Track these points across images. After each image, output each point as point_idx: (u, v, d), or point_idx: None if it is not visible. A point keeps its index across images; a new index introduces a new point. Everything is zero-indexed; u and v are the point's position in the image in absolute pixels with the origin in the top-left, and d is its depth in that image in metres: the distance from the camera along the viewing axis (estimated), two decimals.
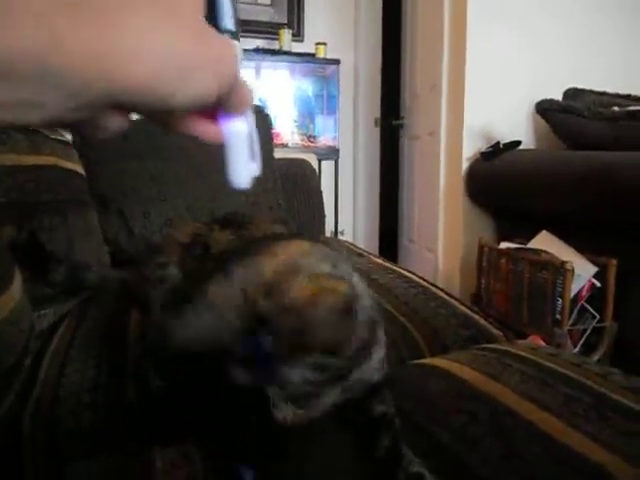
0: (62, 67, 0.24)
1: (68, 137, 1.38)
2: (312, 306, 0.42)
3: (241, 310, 0.43)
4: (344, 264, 0.50)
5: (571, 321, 1.67)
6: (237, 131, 0.37)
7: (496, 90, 2.33)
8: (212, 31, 0.31)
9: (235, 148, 0.37)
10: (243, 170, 0.38)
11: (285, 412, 0.42)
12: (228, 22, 0.37)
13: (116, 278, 0.98)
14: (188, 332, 0.43)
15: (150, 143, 1.53)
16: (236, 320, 0.42)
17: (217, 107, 0.35)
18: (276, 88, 3.33)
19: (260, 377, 0.42)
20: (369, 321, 0.48)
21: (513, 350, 0.70)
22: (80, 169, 1.32)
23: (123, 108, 0.29)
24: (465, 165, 2.35)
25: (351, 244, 1.58)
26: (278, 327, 0.41)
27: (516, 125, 2.35)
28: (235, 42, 0.35)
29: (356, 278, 0.51)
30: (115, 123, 0.31)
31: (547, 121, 2.16)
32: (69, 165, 1.22)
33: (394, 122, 3.42)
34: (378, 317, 0.51)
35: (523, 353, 0.68)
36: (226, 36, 0.35)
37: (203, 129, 0.36)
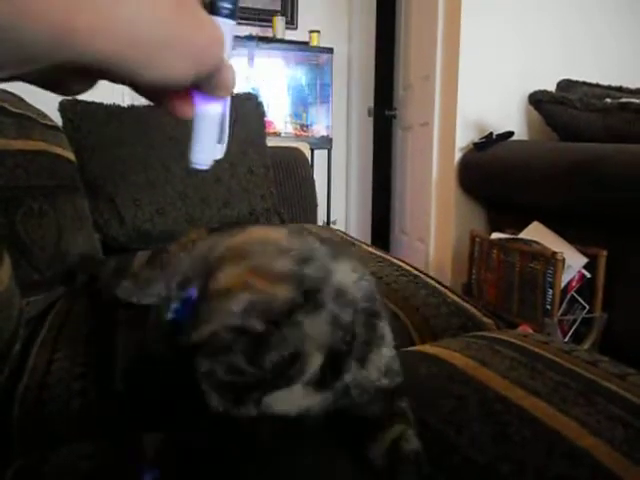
0: (25, 31, 0.22)
1: (58, 122, 1.36)
2: (224, 300, 0.38)
3: (184, 281, 0.40)
4: (320, 266, 0.43)
5: (561, 311, 1.68)
6: (210, 112, 0.35)
7: (489, 81, 2.33)
8: (199, 10, 0.29)
9: (204, 128, 0.35)
10: (208, 151, 0.36)
11: (215, 401, 0.39)
12: None
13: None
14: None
15: (139, 129, 1.52)
16: (175, 288, 0.40)
17: (194, 88, 0.33)
18: (269, 76, 3.31)
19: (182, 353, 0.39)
20: (364, 323, 0.44)
21: (504, 337, 0.71)
22: (70, 155, 1.30)
23: (90, 74, 0.27)
24: (458, 156, 2.35)
25: (343, 233, 1.58)
26: (198, 309, 0.38)
27: (509, 116, 2.36)
28: (228, 21, 0.33)
29: (341, 277, 0.44)
30: (79, 86, 0.29)
31: (540, 112, 2.16)
32: (59, 151, 1.21)
33: (387, 112, 3.41)
34: (377, 320, 0.46)
35: (514, 340, 0.69)
36: (222, 14, 0.33)
37: (178, 105, 0.33)
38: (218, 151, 0.37)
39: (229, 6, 0.33)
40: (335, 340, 0.41)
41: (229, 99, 0.36)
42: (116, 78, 0.27)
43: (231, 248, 0.42)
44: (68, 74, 0.27)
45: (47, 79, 0.27)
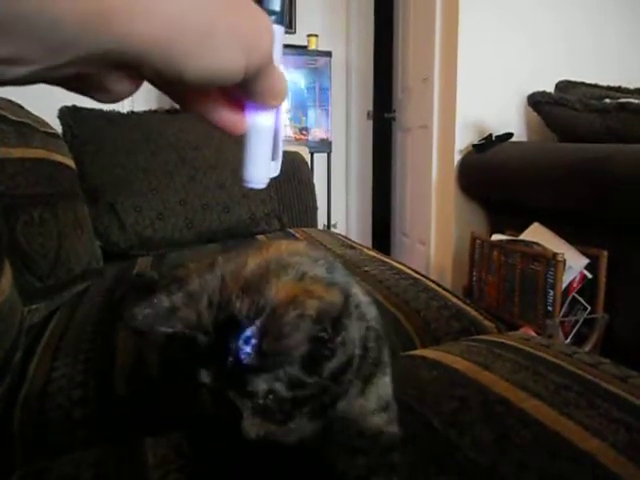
0: (55, 18, 0.20)
1: (58, 129, 1.37)
2: (289, 310, 0.35)
3: (215, 300, 0.36)
4: (344, 274, 0.43)
5: (562, 312, 1.68)
6: (262, 125, 0.32)
7: (488, 82, 2.34)
8: (250, 1, 0.27)
9: (257, 144, 0.33)
10: (262, 168, 0.34)
11: (251, 426, 0.36)
12: (273, 1, 0.31)
13: None
14: (152, 313, 0.36)
15: (139, 135, 1.52)
16: (207, 310, 0.36)
17: (244, 94, 0.30)
18: None
19: (223, 380, 0.36)
20: (374, 341, 0.41)
21: (505, 341, 0.71)
22: (70, 162, 1.30)
23: (130, 71, 0.25)
24: (457, 158, 2.35)
25: (343, 236, 1.58)
26: (249, 327, 0.35)
27: (508, 117, 2.36)
28: (277, 27, 0.30)
29: (357, 290, 0.43)
30: (120, 87, 0.26)
31: (539, 113, 2.16)
32: (59, 158, 1.21)
33: (386, 115, 3.42)
34: (385, 344, 0.44)
35: (515, 343, 0.69)
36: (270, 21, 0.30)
37: (223, 115, 0.31)
38: (272, 168, 0.35)
39: (277, 9, 0.31)
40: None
41: (281, 112, 0.34)
42: (158, 74, 0.25)
43: (268, 261, 0.39)
44: (106, 73, 0.25)
45: (82, 80, 0.25)
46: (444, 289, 1.02)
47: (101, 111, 1.53)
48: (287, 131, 3.35)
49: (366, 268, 1.11)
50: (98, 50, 0.22)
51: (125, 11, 0.21)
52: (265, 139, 0.33)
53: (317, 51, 3.24)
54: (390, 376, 0.44)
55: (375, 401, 0.42)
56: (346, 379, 0.38)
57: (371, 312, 0.44)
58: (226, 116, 0.31)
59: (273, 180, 0.36)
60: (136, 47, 0.22)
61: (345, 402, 0.40)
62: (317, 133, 3.39)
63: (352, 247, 1.35)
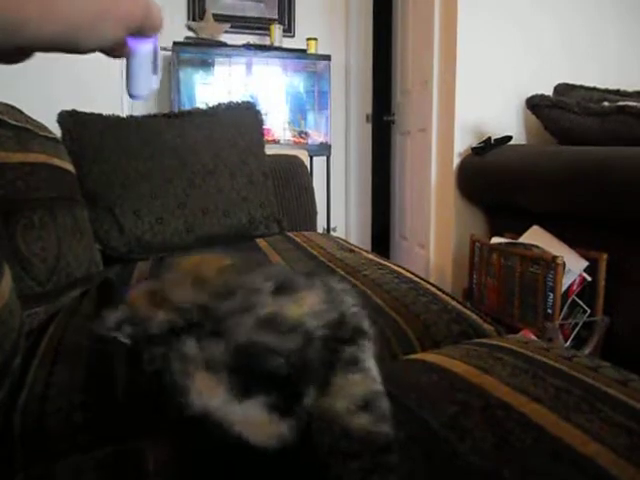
0: None
1: (57, 134, 1.37)
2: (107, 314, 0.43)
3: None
4: (259, 297, 0.44)
5: (562, 315, 1.68)
6: (143, 50, 0.39)
7: (487, 86, 2.34)
8: None
9: (139, 64, 0.39)
10: (144, 83, 0.41)
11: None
12: None
13: None
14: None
15: (139, 139, 1.52)
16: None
17: None
18: (267, 84, 3.32)
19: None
20: (321, 348, 0.43)
21: (505, 344, 0.71)
22: (70, 166, 1.31)
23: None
24: (456, 161, 2.36)
25: (343, 240, 1.59)
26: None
27: (507, 120, 2.36)
28: None
29: (303, 303, 0.45)
30: (19, 58, 0.33)
31: (537, 116, 2.17)
32: (58, 162, 1.21)
33: (385, 118, 3.42)
34: (343, 345, 0.44)
35: (514, 347, 0.69)
36: None
37: (114, 49, 0.38)
38: (154, 81, 0.41)
39: None
40: (274, 366, 0.41)
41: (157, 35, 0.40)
42: (56, 52, 0.32)
43: (163, 280, 0.47)
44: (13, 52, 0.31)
45: None
46: (444, 292, 1.02)
47: (100, 115, 1.53)
48: (286, 134, 3.36)
49: (365, 272, 1.11)
50: (14, 46, 0.28)
51: (37, 17, 0.28)
52: (147, 60, 0.40)
53: (316, 55, 3.25)
54: (364, 372, 0.44)
55: (347, 400, 0.42)
56: (168, 390, 0.41)
57: (321, 321, 0.44)
58: (113, 49, 0.38)
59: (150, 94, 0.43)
60: (45, 42, 0.29)
61: (308, 400, 0.41)
62: (316, 136, 3.39)
63: (351, 250, 1.35)
